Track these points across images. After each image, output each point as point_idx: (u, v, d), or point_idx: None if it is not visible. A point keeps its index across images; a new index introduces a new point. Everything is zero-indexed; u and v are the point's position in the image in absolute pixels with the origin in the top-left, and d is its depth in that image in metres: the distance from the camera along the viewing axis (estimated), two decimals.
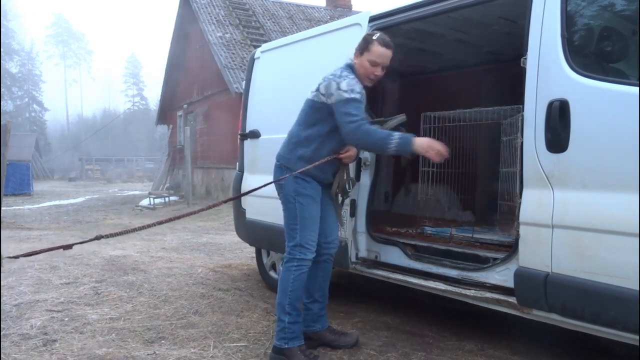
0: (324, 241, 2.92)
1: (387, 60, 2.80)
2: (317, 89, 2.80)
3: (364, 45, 2.77)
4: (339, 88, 2.68)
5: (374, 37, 2.77)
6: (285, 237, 2.84)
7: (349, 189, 3.01)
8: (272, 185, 2.93)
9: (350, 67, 2.82)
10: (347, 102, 2.65)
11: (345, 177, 2.95)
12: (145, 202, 15.15)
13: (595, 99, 2.17)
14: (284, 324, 2.76)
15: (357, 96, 2.68)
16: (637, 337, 2.05)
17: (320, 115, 2.77)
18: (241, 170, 4.40)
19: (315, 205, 2.82)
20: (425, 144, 2.60)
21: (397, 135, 2.61)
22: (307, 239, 2.78)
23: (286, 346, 2.75)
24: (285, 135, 2.97)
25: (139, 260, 5.52)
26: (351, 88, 2.67)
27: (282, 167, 2.87)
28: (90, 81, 69.44)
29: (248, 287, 4.41)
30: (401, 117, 2.96)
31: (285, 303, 2.76)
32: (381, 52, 2.75)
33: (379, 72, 2.81)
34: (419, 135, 3.33)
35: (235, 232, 4.76)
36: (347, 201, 3.26)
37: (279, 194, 2.93)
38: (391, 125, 2.91)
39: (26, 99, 55.55)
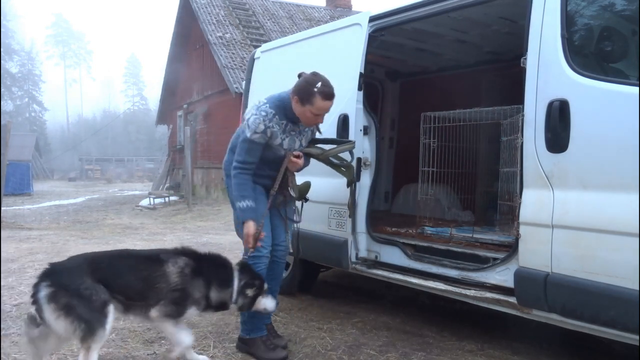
0: (273, 243, 2.97)
1: (329, 110, 2.80)
2: (250, 109, 2.86)
3: (305, 97, 2.70)
4: (247, 120, 2.73)
5: (316, 89, 2.68)
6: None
7: (299, 194, 3.03)
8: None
9: (280, 100, 2.78)
10: (244, 142, 2.72)
11: (295, 183, 2.97)
12: (145, 202, 15.13)
13: (595, 99, 2.17)
14: (245, 317, 2.88)
15: (255, 137, 2.70)
16: (637, 337, 2.05)
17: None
18: None
19: (260, 206, 2.83)
20: (248, 231, 2.73)
21: (244, 204, 2.71)
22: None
23: (248, 336, 2.89)
24: None
25: None
26: (253, 128, 2.69)
27: (226, 173, 2.97)
28: (90, 81, 69.51)
29: None
30: (350, 145, 3.03)
31: None
32: (323, 106, 2.74)
33: (320, 120, 2.84)
34: (419, 135, 3.35)
35: (235, 232, 4.75)
36: (347, 201, 3.26)
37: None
38: (339, 151, 2.98)
39: (26, 99, 55.53)
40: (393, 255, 3.26)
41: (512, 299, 2.50)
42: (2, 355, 2.79)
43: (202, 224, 10.03)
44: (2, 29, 42.04)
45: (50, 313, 2.21)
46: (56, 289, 2.24)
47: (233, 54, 14.54)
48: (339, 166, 3.07)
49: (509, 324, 3.19)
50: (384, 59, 4.59)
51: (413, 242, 3.30)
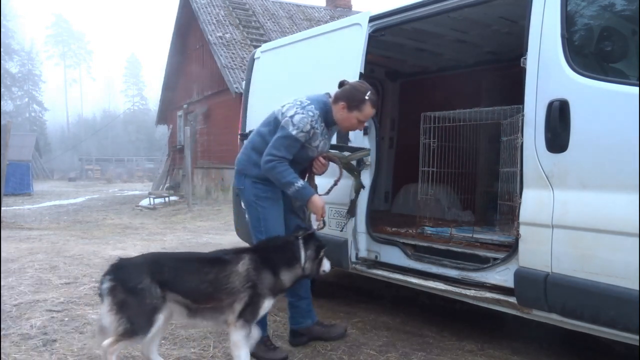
0: None
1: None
2: (283, 106, 2.85)
3: (355, 104, 2.78)
4: (291, 118, 2.73)
5: (367, 97, 2.78)
6: (252, 236, 2.93)
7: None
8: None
9: (324, 104, 2.83)
10: (285, 137, 2.73)
11: (315, 185, 3.02)
12: (145, 202, 15.13)
13: (595, 99, 2.17)
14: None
15: (300, 136, 2.72)
16: (637, 337, 2.05)
17: (275, 130, 2.82)
18: None
19: (277, 207, 2.89)
20: (318, 204, 2.78)
21: (300, 184, 2.73)
22: None
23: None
24: None
25: None
26: (300, 126, 2.71)
27: (241, 172, 2.93)
28: (90, 81, 69.49)
29: None
30: (365, 152, 3.13)
31: None
32: (370, 113, 2.84)
33: (362, 126, 2.95)
34: (419, 135, 3.35)
35: (235, 232, 4.75)
36: (347, 201, 3.26)
37: (241, 199, 3.02)
38: (359, 157, 3.10)
39: (26, 99, 55.52)
40: (393, 255, 3.26)
41: (512, 299, 2.50)
42: (2, 355, 2.79)
43: (202, 224, 10.03)
44: (2, 29, 42.03)
45: (106, 305, 2.32)
46: (116, 284, 2.33)
47: (233, 54, 14.54)
48: (355, 172, 3.16)
49: (509, 324, 3.19)
50: (384, 59, 4.59)
51: (413, 242, 3.30)
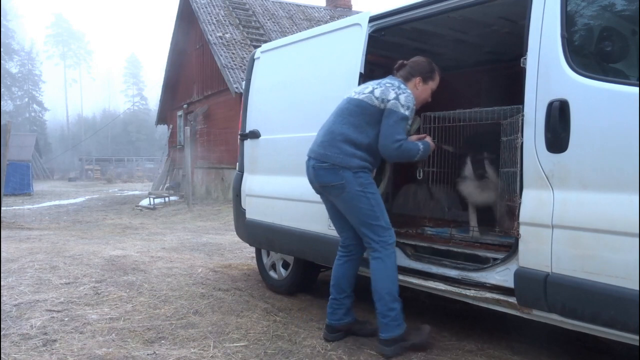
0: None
1: None
2: (371, 92, 2.82)
3: (429, 74, 2.92)
4: (397, 99, 2.76)
5: (434, 66, 2.93)
6: (367, 230, 2.86)
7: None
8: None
9: (402, 83, 2.90)
10: (401, 120, 2.77)
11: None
12: (145, 202, 15.14)
13: (595, 99, 2.17)
14: (396, 311, 2.81)
15: (408, 114, 2.80)
16: (637, 337, 2.05)
17: (370, 118, 2.81)
18: (241, 171, 4.40)
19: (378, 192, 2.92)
20: (433, 145, 2.95)
21: (420, 145, 2.84)
22: (389, 221, 2.88)
23: (402, 331, 2.82)
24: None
25: (139, 260, 5.51)
26: (408, 105, 2.78)
27: (335, 167, 2.82)
28: (90, 81, 69.53)
29: (248, 287, 4.41)
30: (418, 121, 3.16)
31: (395, 289, 2.84)
32: (438, 80, 2.99)
33: (430, 98, 3.04)
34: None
35: (235, 232, 4.76)
36: None
37: (327, 195, 2.96)
38: (414, 130, 3.11)
39: (26, 99, 55.55)
40: None
41: (512, 299, 2.50)
42: (2, 355, 2.79)
43: (202, 224, 10.03)
44: (2, 29, 42.03)
45: None
46: None
47: (233, 54, 14.55)
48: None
49: (509, 324, 3.19)
50: (384, 59, 4.58)
51: (413, 242, 3.30)
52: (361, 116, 2.83)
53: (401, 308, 2.84)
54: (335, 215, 3.06)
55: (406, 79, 2.92)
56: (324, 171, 2.87)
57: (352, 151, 2.81)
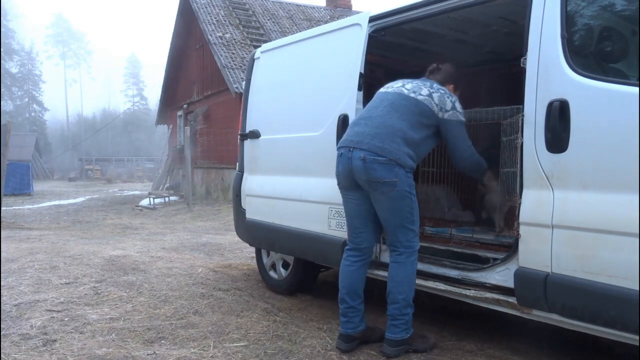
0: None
1: None
2: (429, 96, 2.79)
3: (460, 82, 3.04)
4: (454, 107, 2.80)
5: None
6: (401, 232, 2.77)
7: None
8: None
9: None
10: (463, 126, 2.83)
11: None
12: (145, 202, 15.14)
13: (595, 99, 2.17)
14: (408, 316, 2.80)
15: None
16: (637, 337, 2.05)
17: (427, 121, 2.79)
18: (241, 171, 4.40)
19: None
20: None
21: (484, 164, 2.92)
22: (419, 228, 2.89)
23: (408, 335, 2.83)
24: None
25: (139, 260, 5.52)
26: (462, 111, 2.83)
27: (392, 162, 2.67)
28: (90, 81, 69.55)
29: (248, 287, 4.41)
30: None
31: (411, 296, 2.82)
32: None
33: None
34: None
35: (235, 232, 4.75)
36: None
37: (373, 191, 2.75)
38: None
39: (26, 99, 55.55)
40: None
41: (512, 299, 2.50)
42: (2, 355, 2.79)
43: (202, 224, 10.03)
44: (2, 29, 42.03)
45: None
46: None
47: (233, 54, 14.55)
48: None
49: (509, 324, 3.18)
50: (384, 59, 4.58)
51: None
52: (419, 116, 2.77)
53: (412, 314, 2.83)
54: (359, 214, 2.90)
55: (442, 84, 2.94)
56: (380, 165, 2.67)
57: (407, 150, 2.72)
